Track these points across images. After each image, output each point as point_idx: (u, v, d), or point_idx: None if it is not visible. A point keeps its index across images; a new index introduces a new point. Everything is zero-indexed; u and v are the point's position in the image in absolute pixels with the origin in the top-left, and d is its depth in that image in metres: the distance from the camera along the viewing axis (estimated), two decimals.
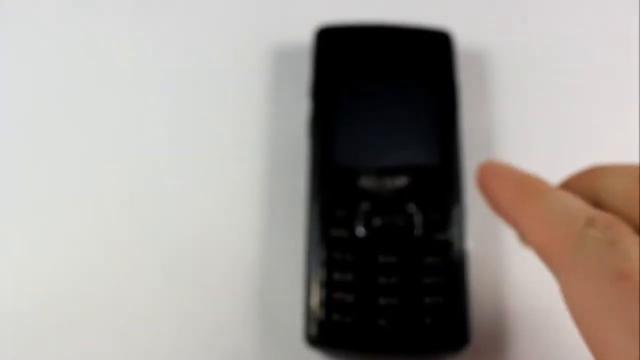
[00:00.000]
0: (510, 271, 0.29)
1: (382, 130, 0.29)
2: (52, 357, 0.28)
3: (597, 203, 0.20)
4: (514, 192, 0.23)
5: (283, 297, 0.29)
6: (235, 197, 0.31)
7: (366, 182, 0.28)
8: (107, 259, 0.29)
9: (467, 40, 0.32)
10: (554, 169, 0.31)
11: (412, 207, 0.27)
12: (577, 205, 0.21)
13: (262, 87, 0.33)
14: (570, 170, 0.31)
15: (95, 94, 0.33)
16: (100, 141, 0.32)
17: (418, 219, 0.27)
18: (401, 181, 0.28)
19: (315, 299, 0.26)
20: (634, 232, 0.19)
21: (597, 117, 0.33)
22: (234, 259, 0.29)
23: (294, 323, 0.28)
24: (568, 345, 0.28)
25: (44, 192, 0.31)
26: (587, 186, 0.21)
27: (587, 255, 0.18)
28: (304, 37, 0.32)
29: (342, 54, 0.31)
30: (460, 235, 0.27)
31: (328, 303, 0.26)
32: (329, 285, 0.26)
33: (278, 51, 0.34)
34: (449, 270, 0.26)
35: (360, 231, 0.27)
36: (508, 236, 0.29)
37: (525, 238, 0.22)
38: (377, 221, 0.27)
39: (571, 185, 0.21)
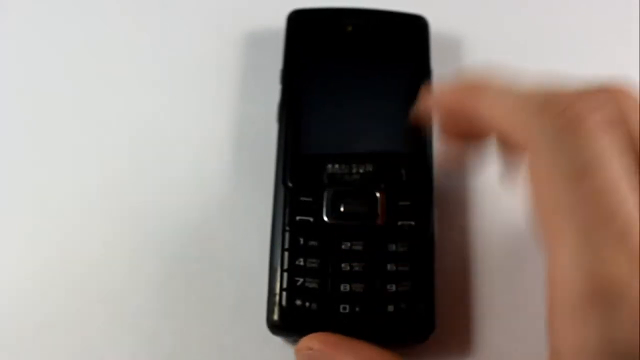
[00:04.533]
0: (477, 256, 0.29)
1: (351, 116, 0.29)
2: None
3: None
4: (466, 91, 0.22)
5: (251, 283, 0.28)
6: (204, 181, 0.31)
7: (333, 168, 0.28)
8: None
9: (441, 26, 0.32)
10: None
11: (378, 194, 0.27)
12: (529, 87, 0.20)
13: (237, 73, 0.33)
14: None
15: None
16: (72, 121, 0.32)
17: (384, 206, 0.27)
18: (368, 168, 0.28)
19: (279, 285, 0.26)
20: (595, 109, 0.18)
21: None
22: (202, 243, 0.29)
23: (261, 309, 0.28)
24: (535, 329, 0.27)
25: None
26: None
27: (549, 143, 0.18)
28: (282, 22, 0.31)
29: (314, 39, 0.30)
30: (427, 223, 0.27)
31: (291, 289, 0.26)
32: (292, 271, 0.26)
33: (255, 36, 0.34)
34: (414, 258, 0.26)
35: (326, 217, 0.27)
36: (474, 223, 0.29)
37: (487, 129, 0.22)
38: (342, 207, 0.27)
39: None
